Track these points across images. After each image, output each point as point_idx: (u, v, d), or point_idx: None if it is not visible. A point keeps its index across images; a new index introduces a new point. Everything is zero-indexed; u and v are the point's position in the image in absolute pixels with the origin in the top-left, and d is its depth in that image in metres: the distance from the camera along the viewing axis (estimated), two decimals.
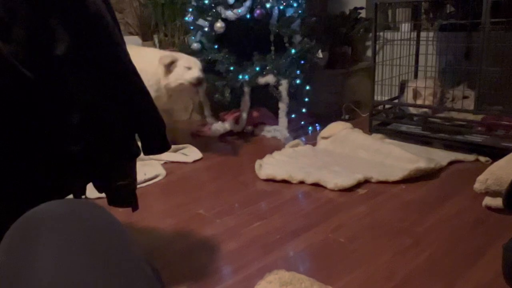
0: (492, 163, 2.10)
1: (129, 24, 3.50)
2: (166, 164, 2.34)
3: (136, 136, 1.05)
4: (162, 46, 3.36)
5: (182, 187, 2.06)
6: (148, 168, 2.18)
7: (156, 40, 3.40)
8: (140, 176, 2.02)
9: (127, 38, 3.31)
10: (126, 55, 0.95)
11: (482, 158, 2.15)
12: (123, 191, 1.04)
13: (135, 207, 1.09)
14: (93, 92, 0.88)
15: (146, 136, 1.04)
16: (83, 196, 1.03)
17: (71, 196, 0.99)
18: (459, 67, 2.60)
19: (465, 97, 2.42)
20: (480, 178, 0.86)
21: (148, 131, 1.03)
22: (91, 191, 1.07)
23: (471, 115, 2.27)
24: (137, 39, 3.40)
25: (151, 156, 1.41)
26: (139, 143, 1.06)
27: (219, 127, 2.77)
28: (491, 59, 2.12)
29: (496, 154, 2.08)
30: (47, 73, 0.80)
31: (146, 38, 3.40)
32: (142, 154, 1.06)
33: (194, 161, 2.37)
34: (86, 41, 0.86)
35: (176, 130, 2.57)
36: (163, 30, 3.37)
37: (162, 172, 2.18)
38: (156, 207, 1.84)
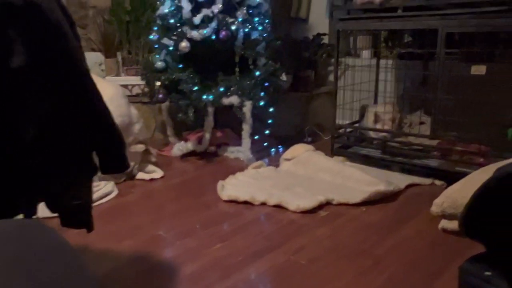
0: (447, 187, 2.17)
1: (92, 40, 3.44)
2: (125, 182, 2.28)
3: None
4: (126, 63, 3.32)
5: (141, 207, 2.00)
6: (100, 185, 2.10)
7: (119, 58, 3.35)
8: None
9: (89, 55, 3.27)
10: (86, 69, 0.92)
11: (438, 182, 2.23)
12: (78, 212, 0.99)
13: (90, 228, 1.04)
14: (50, 107, 0.84)
15: (104, 154, 1.00)
16: (34, 216, 0.97)
17: (20, 216, 0.93)
18: (416, 94, 2.71)
19: (421, 123, 2.51)
20: (437, 201, 0.89)
21: (107, 148, 1.00)
22: (43, 211, 1.01)
23: (427, 140, 2.35)
24: (99, 55, 3.33)
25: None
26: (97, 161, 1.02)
27: (182, 147, 2.74)
28: (446, 87, 2.21)
29: (450, 178, 2.16)
30: (1, 85, 0.77)
31: (109, 55, 3.34)
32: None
33: (154, 180, 2.32)
34: (44, 54, 0.83)
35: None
36: (127, 47, 3.33)
37: (114, 190, 2.12)
38: (113, 228, 1.77)
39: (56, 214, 0.99)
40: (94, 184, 1.98)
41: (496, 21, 2.00)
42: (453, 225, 0.84)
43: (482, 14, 2.02)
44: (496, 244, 0.64)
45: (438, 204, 0.89)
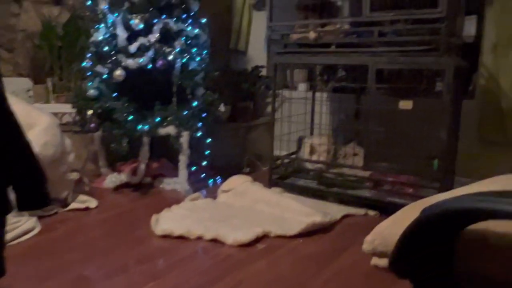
0: (380, 217, 2.24)
1: (20, 65, 3.24)
2: (56, 215, 2.13)
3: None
4: (56, 90, 3.15)
5: (69, 243, 1.85)
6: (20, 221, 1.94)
7: (50, 84, 3.18)
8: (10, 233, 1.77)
9: (16, 80, 3.08)
10: (2, 99, 0.84)
11: (371, 212, 2.29)
12: None
13: (2, 272, 0.93)
14: None
15: (21, 189, 0.91)
16: None
17: None
18: (349, 126, 2.81)
19: (355, 154, 2.60)
20: (368, 238, 0.90)
21: (24, 183, 0.91)
22: None
23: (360, 171, 2.42)
24: (27, 81, 3.14)
25: None
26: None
27: (115, 178, 2.61)
28: (377, 120, 2.32)
29: (383, 208, 2.24)
30: None
31: (39, 81, 3.16)
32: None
33: (85, 212, 2.20)
34: None
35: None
36: (58, 73, 3.17)
37: (36, 226, 1.96)
38: (33, 269, 1.62)
39: None
40: (13, 220, 1.82)
41: (420, 59, 2.14)
42: (384, 262, 0.85)
43: (409, 53, 2.16)
44: (424, 283, 0.65)
45: (369, 242, 0.90)
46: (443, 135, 2.12)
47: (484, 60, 2.70)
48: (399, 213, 0.79)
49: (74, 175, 2.24)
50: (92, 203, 2.31)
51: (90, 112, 2.57)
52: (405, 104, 2.16)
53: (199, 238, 1.92)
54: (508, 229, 0.49)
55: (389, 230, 0.77)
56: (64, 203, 2.25)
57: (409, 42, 2.16)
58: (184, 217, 2.11)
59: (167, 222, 2.03)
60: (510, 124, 2.64)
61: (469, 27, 2.62)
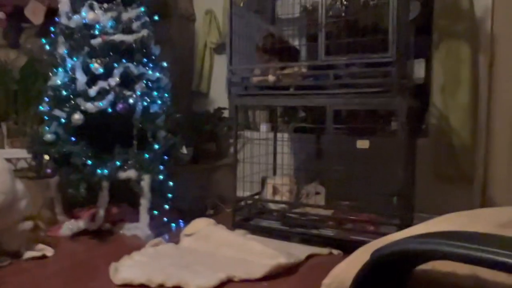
0: (343, 255, 2.24)
1: None
2: (10, 265, 2.01)
3: None
4: (11, 135, 3.06)
5: None
6: None
7: (4, 128, 3.08)
8: None
9: None
10: None
11: (335, 251, 2.29)
12: None
13: None
14: None
15: None
16: None
17: None
18: (311, 166, 2.85)
19: (317, 193, 2.63)
20: (325, 281, 0.90)
21: None
22: None
23: (323, 210, 2.44)
24: None
25: None
26: None
27: (72, 225, 2.51)
28: (337, 159, 2.37)
29: (346, 247, 2.24)
30: None
31: None
32: None
33: (39, 261, 2.08)
34: None
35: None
36: (13, 118, 3.08)
37: None
38: None
39: None
40: None
41: (375, 100, 2.23)
42: None
43: (363, 94, 2.25)
44: None
45: (327, 285, 0.90)
46: (400, 172, 2.19)
47: (434, 100, 2.86)
48: (353, 255, 0.80)
49: (28, 224, 2.13)
50: (49, 251, 2.21)
51: (46, 157, 2.49)
52: (362, 144, 2.22)
53: (161, 286, 1.85)
54: (453, 269, 0.50)
55: (345, 274, 0.77)
56: (18, 254, 2.13)
57: (363, 84, 2.25)
58: (145, 264, 2.04)
59: (127, 270, 1.95)
60: (463, 159, 2.77)
61: (419, 70, 2.78)
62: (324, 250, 2.30)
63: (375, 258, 0.49)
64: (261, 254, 2.13)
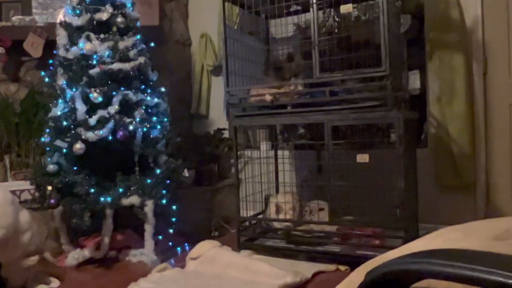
0: (351, 271, 2.23)
1: None
2: None
3: None
4: (14, 167, 3.08)
5: None
6: None
7: (7, 161, 3.11)
8: None
9: None
10: None
11: (342, 267, 2.28)
12: None
13: None
14: None
15: None
16: None
17: None
18: (313, 182, 2.86)
19: (321, 209, 2.62)
20: None
21: None
22: None
23: (327, 226, 2.44)
24: None
25: None
26: None
27: (77, 255, 2.51)
28: (338, 174, 2.37)
29: (353, 262, 2.23)
30: None
31: None
32: None
33: None
34: None
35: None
36: (16, 150, 3.11)
37: None
38: None
39: None
40: None
41: (371, 114, 2.25)
42: None
43: (359, 109, 2.27)
44: None
45: None
46: (401, 184, 2.19)
47: (431, 110, 2.88)
48: (353, 274, 0.80)
49: (33, 260, 2.11)
50: (55, 283, 2.21)
51: (49, 187, 2.51)
52: (362, 158, 2.24)
53: None
54: (448, 285, 0.51)
55: None
56: None
57: (359, 99, 2.27)
58: None
59: None
60: (464, 168, 2.77)
61: (414, 81, 2.80)
62: (331, 267, 2.29)
63: (370, 279, 0.50)
64: (268, 274, 2.13)
